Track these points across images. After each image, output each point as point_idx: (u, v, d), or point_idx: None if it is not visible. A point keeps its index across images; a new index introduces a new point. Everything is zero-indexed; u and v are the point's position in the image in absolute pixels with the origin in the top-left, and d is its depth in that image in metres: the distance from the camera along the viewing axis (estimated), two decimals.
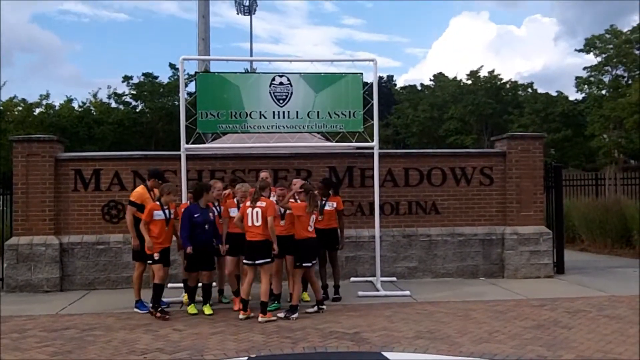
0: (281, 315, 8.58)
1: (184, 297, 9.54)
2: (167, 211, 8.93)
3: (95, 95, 39.51)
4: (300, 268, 8.85)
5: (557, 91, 51.24)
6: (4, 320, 8.71)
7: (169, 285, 10.32)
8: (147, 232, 8.81)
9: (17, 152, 11.24)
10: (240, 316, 8.58)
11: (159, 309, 8.80)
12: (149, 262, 8.97)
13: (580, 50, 41.35)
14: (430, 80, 57.63)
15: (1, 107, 31.73)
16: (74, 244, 11.22)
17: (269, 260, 8.65)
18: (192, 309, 9.04)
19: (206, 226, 8.98)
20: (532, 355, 6.48)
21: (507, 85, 51.41)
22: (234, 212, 9.01)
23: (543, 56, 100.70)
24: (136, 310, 9.17)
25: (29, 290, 10.93)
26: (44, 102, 34.35)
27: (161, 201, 8.93)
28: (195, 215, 8.99)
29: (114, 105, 40.05)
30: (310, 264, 8.92)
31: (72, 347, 7.09)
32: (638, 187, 18.20)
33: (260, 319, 8.38)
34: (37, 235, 11.10)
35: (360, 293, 10.13)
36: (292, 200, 9.09)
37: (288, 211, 8.95)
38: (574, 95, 53.22)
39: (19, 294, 10.82)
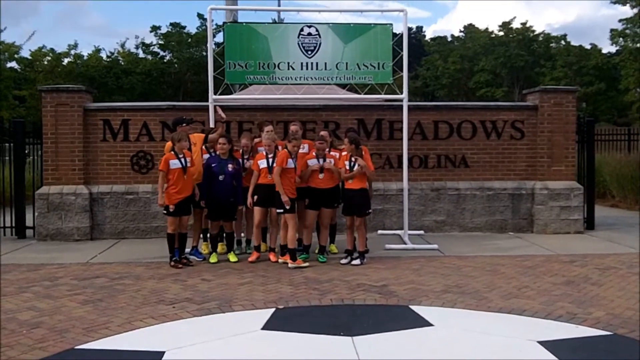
0: (357, 262, 8.86)
1: (203, 246, 9.62)
2: (183, 159, 8.80)
3: (123, 46, 39.42)
4: (365, 215, 9.05)
5: (590, 44, 49.98)
6: (37, 268, 8.87)
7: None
8: (164, 183, 8.77)
9: (46, 102, 11.30)
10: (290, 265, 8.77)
11: (171, 257, 8.87)
12: (163, 212, 9.02)
13: (615, 2, 40.00)
14: (460, 31, 56.45)
15: (30, 57, 31.83)
16: (104, 193, 11.33)
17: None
18: (213, 258, 9.14)
19: (220, 177, 8.95)
20: (561, 311, 6.42)
21: (540, 37, 50.13)
22: (262, 164, 8.96)
23: (576, 7, 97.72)
24: (192, 257, 9.28)
25: (60, 238, 11.12)
26: (72, 52, 34.36)
27: (175, 150, 8.84)
28: (213, 165, 9.00)
29: (141, 55, 39.95)
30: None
31: (102, 296, 7.21)
32: None
33: (290, 264, 8.67)
34: (67, 184, 11.23)
35: (388, 246, 10.12)
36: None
37: (327, 165, 8.93)
38: (607, 48, 51.87)
39: (50, 242, 11.02)
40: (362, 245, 9.12)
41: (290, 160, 8.83)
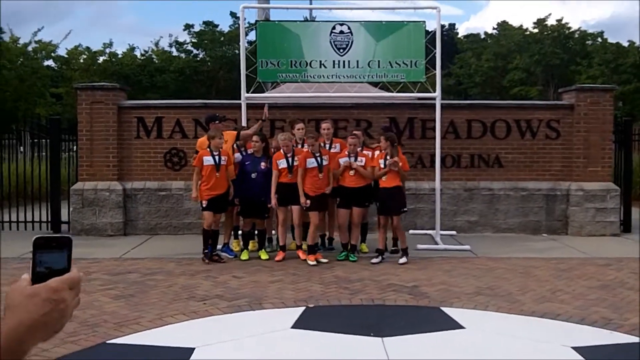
0: (403, 260, 8.88)
1: (234, 243, 9.66)
2: (217, 157, 8.84)
3: (157, 44, 39.71)
4: (401, 213, 9.04)
5: (628, 40, 48.90)
6: (72, 262, 8.96)
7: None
8: (198, 178, 8.86)
9: (82, 100, 11.46)
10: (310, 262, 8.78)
11: (205, 253, 8.90)
12: (201, 208, 9.09)
13: None
14: (494, 29, 55.74)
15: (66, 55, 32.26)
16: (137, 189, 11.45)
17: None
18: (244, 255, 9.17)
19: (253, 175, 8.99)
20: (596, 317, 6.28)
21: (576, 35, 49.25)
22: (282, 164, 8.94)
23: (612, 4, 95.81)
24: (223, 253, 9.32)
25: (94, 234, 11.27)
26: (107, 50, 34.75)
27: (210, 147, 8.89)
28: (246, 163, 9.04)
29: (175, 53, 40.25)
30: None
31: (134, 291, 7.28)
32: None
33: (309, 261, 8.74)
34: (101, 180, 11.38)
35: (419, 246, 10.03)
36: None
37: (354, 165, 8.91)
38: None
39: (84, 237, 11.15)
40: (404, 242, 9.08)
41: (311, 160, 8.83)
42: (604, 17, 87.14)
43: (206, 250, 8.94)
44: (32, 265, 1.14)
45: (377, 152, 9.23)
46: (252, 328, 5.98)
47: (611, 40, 48.07)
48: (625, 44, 46.16)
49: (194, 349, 5.28)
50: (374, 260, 8.95)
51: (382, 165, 8.90)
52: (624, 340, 5.63)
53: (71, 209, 11.45)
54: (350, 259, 9.04)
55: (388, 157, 8.87)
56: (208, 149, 8.90)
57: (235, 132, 9.53)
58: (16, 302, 1.09)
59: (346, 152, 9.11)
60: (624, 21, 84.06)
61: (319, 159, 8.86)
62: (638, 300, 6.87)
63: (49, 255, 1.15)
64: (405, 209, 9.21)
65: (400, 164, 8.86)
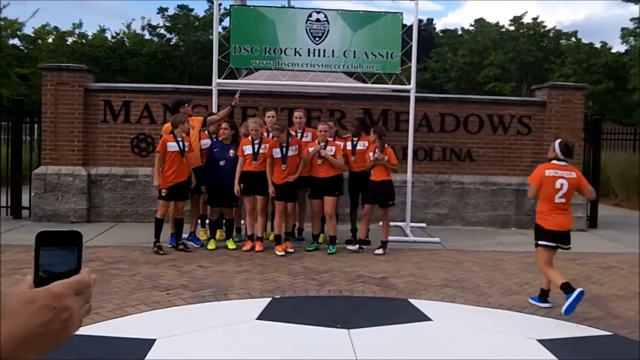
0: (380, 252, 8.84)
1: (201, 233, 9.50)
2: (181, 143, 8.58)
3: (129, 26, 39.07)
4: (388, 207, 9.03)
5: (600, 42, 49.54)
6: (30, 249, 8.66)
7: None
8: (160, 165, 8.55)
9: (47, 81, 11.13)
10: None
11: (157, 244, 8.65)
12: (158, 197, 8.83)
13: (628, 0, 39.60)
14: (471, 25, 56.08)
15: (33, 34, 31.57)
16: (102, 175, 11.19)
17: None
18: (211, 245, 9.00)
19: (221, 162, 8.81)
20: (561, 310, 6.27)
21: (550, 34, 49.74)
22: (248, 150, 8.76)
23: (587, 5, 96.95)
24: (190, 242, 9.15)
25: (56, 220, 10.98)
26: (77, 31, 34.11)
27: (174, 132, 8.62)
28: (214, 151, 8.86)
29: (147, 37, 39.66)
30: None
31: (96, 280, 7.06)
32: None
33: (277, 252, 8.64)
34: (65, 165, 11.09)
35: (389, 238, 9.95)
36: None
37: (323, 152, 8.81)
38: (617, 47, 51.46)
39: (45, 223, 10.87)
40: (386, 235, 9.03)
41: (277, 150, 8.69)
42: (578, 19, 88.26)
43: (157, 241, 8.65)
44: (35, 265, 0.98)
45: (348, 143, 9.17)
46: (217, 319, 5.85)
47: (584, 40, 48.64)
48: (598, 45, 46.80)
49: (155, 340, 5.13)
50: (350, 247, 9.03)
51: (372, 159, 8.86)
52: (589, 333, 5.69)
53: (32, 194, 11.10)
54: (329, 251, 8.90)
55: (376, 151, 8.82)
56: (172, 135, 8.63)
57: (201, 118, 9.34)
58: (10, 309, 0.91)
59: (317, 141, 9.01)
60: (598, 23, 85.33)
61: (284, 149, 8.71)
62: (605, 295, 6.91)
63: (55, 253, 0.99)
64: (391, 203, 9.13)
65: (387, 157, 8.81)
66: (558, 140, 6.61)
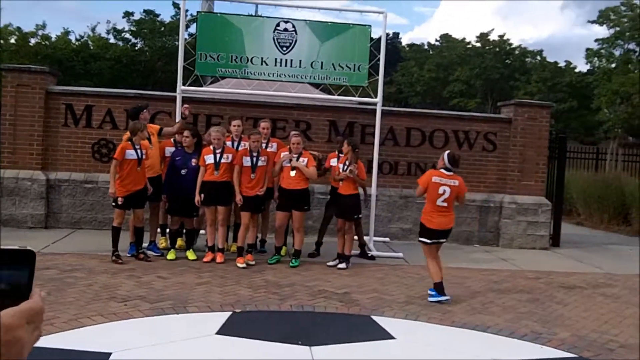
0: (342, 266, 8.74)
1: (161, 241, 9.31)
2: (139, 151, 8.37)
3: (93, 30, 38.56)
4: (353, 220, 8.96)
5: (565, 61, 50.53)
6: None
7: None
8: (116, 172, 8.33)
9: (7, 82, 10.80)
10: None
11: (115, 253, 8.41)
12: (112, 204, 8.61)
13: (593, 22, 40.49)
14: (436, 40, 56.70)
15: None
16: (62, 180, 10.89)
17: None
18: (171, 255, 8.78)
19: (182, 171, 8.66)
20: (526, 330, 6.25)
21: (516, 51, 50.56)
22: (209, 160, 8.59)
23: (549, 25, 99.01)
24: (149, 251, 8.92)
25: (13, 225, 10.62)
26: (40, 32, 33.50)
27: (133, 140, 8.40)
28: (177, 159, 8.70)
29: (112, 41, 39.13)
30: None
31: (51, 289, 6.82)
32: (639, 165, 17.94)
33: (238, 264, 8.48)
34: (23, 169, 10.76)
35: (352, 252, 9.87)
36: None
37: (295, 163, 8.70)
38: (580, 67, 52.56)
39: (2, 228, 10.52)
40: (349, 249, 8.93)
41: (247, 158, 8.56)
42: (542, 38, 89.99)
43: (116, 250, 8.43)
44: None
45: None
46: (175, 333, 5.68)
47: (549, 59, 49.60)
48: (562, 64, 47.73)
49: (110, 353, 4.95)
50: (337, 265, 8.83)
51: (341, 170, 8.76)
52: (553, 355, 5.63)
53: None
54: (292, 264, 8.75)
55: (347, 163, 8.75)
56: (129, 142, 8.41)
57: (158, 127, 9.23)
58: None
59: (282, 154, 8.88)
60: (561, 42, 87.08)
61: (254, 159, 8.59)
62: (569, 316, 6.91)
63: (7, 272, 0.93)
64: (357, 216, 9.03)
65: (357, 172, 8.75)
66: (446, 152, 7.57)
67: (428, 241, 7.29)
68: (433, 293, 7.23)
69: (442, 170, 7.37)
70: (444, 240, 7.46)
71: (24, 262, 0.95)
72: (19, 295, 0.92)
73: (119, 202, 8.38)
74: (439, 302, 7.09)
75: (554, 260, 10.69)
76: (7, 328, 0.87)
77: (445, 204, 7.24)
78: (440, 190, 7.21)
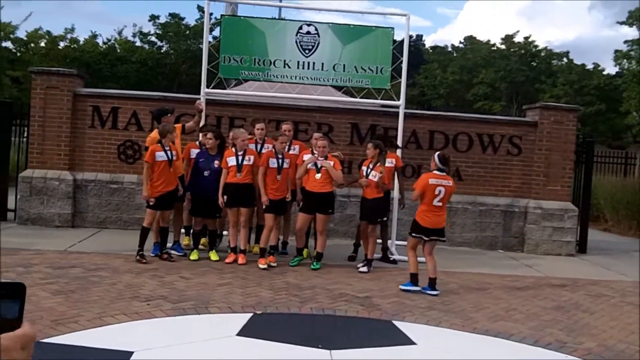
0: (364, 269, 8.71)
1: (184, 240, 9.38)
2: (169, 152, 8.50)
3: (120, 33, 38.96)
4: (376, 223, 8.92)
5: (593, 63, 49.84)
6: (13, 252, 8.56)
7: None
8: (149, 175, 8.47)
9: (36, 84, 11.01)
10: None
11: (140, 253, 8.51)
12: (146, 206, 8.71)
13: (622, 23, 39.82)
14: (460, 42, 56.33)
15: (26, 38, 31.37)
16: (88, 181, 11.04)
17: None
18: (194, 255, 8.86)
19: (205, 173, 8.72)
20: (550, 339, 6.16)
21: (542, 53, 49.94)
22: (232, 162, 8.65)
23: (576, 26, 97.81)
24: (173, 251, 9.01)
25: (41, 224, 10.82)
26: (69, 36, 33.96)
27: (162, 142, 8.53)
28: (200, 160, 8.77)
29: (138, 44, 39.54)
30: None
31: (76, 287, 6.92)
32: None
33: (260, 265, 8.49)
34: (51, 169, 10.94)
35: (375, 255, 9.84)
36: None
37: (324, 162, 8.67)
38: (608, 69, 51.78)
39: (30, 227, 10.73)
40: (371, 252, 8.88)
41: (273, 160, 8.58)
42: (568, 39, 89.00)
43: (141, 250, 8.53)
44: None
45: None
46: (196, 333, 5.72)
47: (576, 61, 48.87)
48: (590, 67, 46.95)
49: (132, 352, 5.00)
50: (362, 269, 8.76)
51: (364, 173, 8.73)
52: None
53: (18, 196, 10.98)
54: (313, 266, 8.75)
55: (371, 166, 8.72)
56: (159, 144, 8.54)
57: (180, 125, 9.39)
58: None
59: (304, 157, 8.89)
60: (588, 44, 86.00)
61: (280, 160, 8.62)
62: (595, 325, 6.81)
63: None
64: (380, 219, 8.98)
65: (386, 182, 8.81)
66: (437, 153, 7.85)
67: (420, 236, 7.75)
68: (407, 283, 7.77)
69: (436, 172, 7.71)
70: (443, 239, 7.95)
71: (14, 295, 0.98)
72: (9, 328, 0.96)
73: (151, 203, 8.49)
74: (408, 290, 7.64)
75: (580, 267, 10.54)
76: (6, 349, 0.94)
77: (440, 204, 7.63)
78: (437, 191, 7.59)
